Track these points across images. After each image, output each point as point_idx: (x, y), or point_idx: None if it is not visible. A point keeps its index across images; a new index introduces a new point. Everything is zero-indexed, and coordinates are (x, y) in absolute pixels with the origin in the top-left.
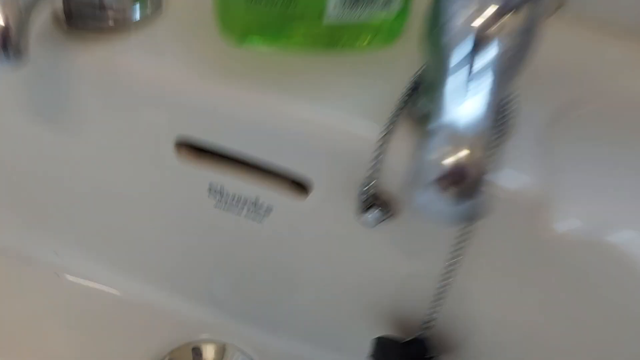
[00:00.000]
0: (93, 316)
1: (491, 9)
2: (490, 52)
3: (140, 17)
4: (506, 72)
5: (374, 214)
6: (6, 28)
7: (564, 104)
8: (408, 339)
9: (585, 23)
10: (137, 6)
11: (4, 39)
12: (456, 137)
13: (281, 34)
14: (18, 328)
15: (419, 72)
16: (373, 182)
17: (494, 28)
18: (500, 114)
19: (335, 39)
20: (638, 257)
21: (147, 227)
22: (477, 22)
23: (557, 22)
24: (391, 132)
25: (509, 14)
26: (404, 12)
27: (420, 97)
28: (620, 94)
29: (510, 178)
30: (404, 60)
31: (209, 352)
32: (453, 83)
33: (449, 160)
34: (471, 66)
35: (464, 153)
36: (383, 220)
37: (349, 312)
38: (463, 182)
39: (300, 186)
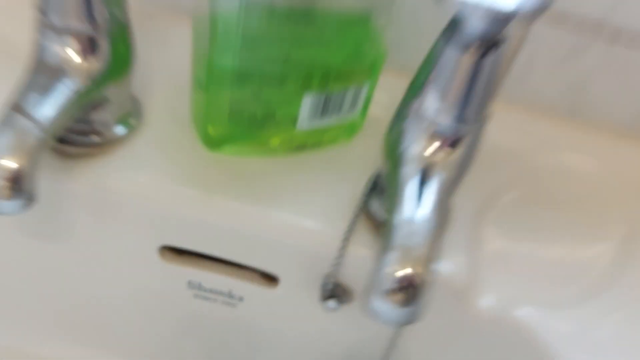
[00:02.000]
0: None
1: (437, 143)
2: (436, 176)
3: (124, 134)
4: (449, 187)
5: (334, 302)
6: (19, 176)
7: (492, 190)
8: None
9: (513, 106)
10: (120, 125)
11: (18, 186)
12: (406, 253)
13: (256, 142)
14: None
15: (376, 174)
16: (333, 278)
17: (440, 156)
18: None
19: (304, 142)
20: (538, 328)
21: (132, 317)
22: (427, 152)
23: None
24: (352, 231)
25: (452, 146)
26: (364, 110)
27: (377, 198)
28: (547, 171)
29: (442, 265)
30: (363, 157)
31: None
32: (408, 192)
33: (399, 273)
34: (421, 185)
35: (411, 268)
36: (340, 306)
37: None
38: (410, 291)
39: (270, 277)
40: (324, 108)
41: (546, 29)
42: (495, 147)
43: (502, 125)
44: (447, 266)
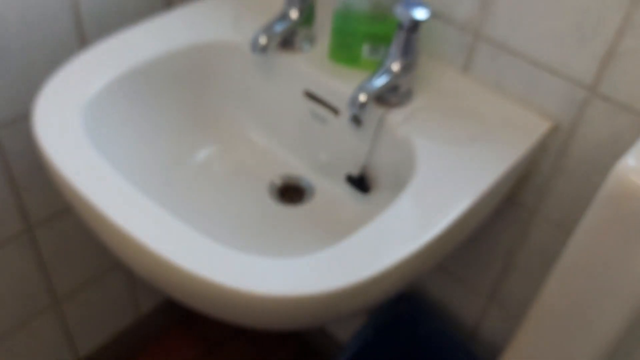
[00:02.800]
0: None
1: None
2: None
3: (308, 46)
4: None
5: (355, 125)
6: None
7: None
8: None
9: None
10: (307, 42)
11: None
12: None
13: (348, 58)
14: None
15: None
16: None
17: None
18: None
19: (364, 63)
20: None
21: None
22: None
23: None
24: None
25: (405, 68)
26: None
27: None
28: None
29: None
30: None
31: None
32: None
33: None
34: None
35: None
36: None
37: None
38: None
39: (336, 110)
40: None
41: None
42: None
43: None
44: (393, 115)
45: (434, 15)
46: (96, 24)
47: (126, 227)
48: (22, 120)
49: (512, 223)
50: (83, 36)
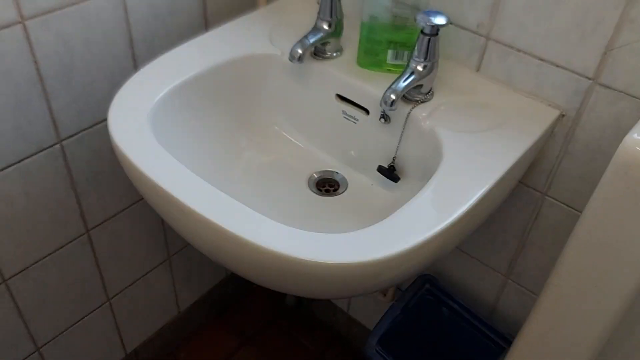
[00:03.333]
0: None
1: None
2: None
3: (338, 54)
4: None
5: (383, 120)
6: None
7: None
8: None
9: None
10: (337, 51)
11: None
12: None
13: (374, 64)
14: None
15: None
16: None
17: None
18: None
19: (389, 67)
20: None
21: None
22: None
23: None
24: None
25: (424, 68)
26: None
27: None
28: None
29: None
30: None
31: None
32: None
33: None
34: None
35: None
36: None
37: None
38: (390, 102)
39: (367, 110)
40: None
41: None
42: None
43: None
44: (418, 110)
45: (450, 21)
46: (146, 46)
47: (198, 210)
48: (83, 132)
49: (525, 204)
50: (135, 56)
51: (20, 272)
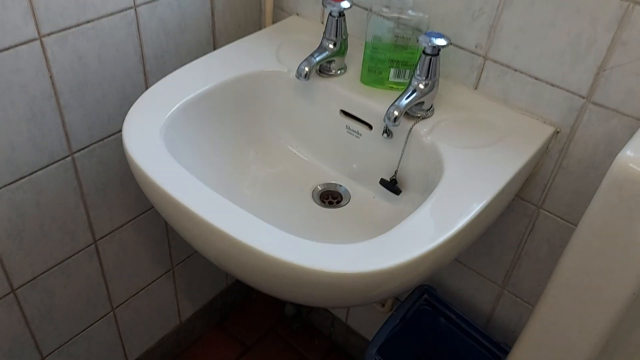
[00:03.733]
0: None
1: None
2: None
3: (341, 73)
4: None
5: (386, 135)
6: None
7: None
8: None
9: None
10: (341, 69)
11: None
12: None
13: (377, 82)
14: None
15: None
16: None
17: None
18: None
19: (391, 85)
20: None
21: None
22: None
23: None
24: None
25: (426, 86)
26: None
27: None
28: None
29: (418, 126)
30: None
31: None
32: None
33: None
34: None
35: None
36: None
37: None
38: (394, 116)
39: (370, 125)
40: (397, 74)
41: None
42: None
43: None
44: (420, 126)
45: (450, 42)
46: (157, 62)
47: (208, 219)
48: (94, 145)
49: (521, 217)
50: (146, 72)
51: (28, 281)
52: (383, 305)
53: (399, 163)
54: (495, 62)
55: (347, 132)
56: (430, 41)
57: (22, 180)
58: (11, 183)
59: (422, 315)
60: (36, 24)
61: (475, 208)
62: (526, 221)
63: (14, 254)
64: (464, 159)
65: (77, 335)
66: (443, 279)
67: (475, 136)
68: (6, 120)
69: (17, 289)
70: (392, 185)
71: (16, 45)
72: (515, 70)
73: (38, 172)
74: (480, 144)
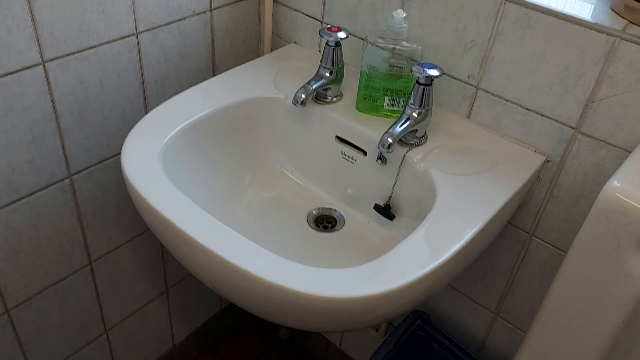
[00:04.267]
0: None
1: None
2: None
3: (338, 100)
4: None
5: (380, 161)
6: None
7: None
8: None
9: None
10: (337, 97)
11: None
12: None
13: (372, 109)
14: None
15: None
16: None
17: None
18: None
19: (385, 112)
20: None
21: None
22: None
23: None
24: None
25: (419, 114)
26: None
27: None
28: None
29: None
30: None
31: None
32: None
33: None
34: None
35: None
36: (384, 164)
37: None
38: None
39: (364, 152)
40: (391, 101)
41: None
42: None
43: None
44: (413, 153)
45: (443, 72)
46: (157, 87)
47: (203, 242)
48: (92, 167)
49: (513, 244)
50: (146, 96)
51: (23, 302)
52: (377, 330)
53: (393, 189)
54: (487, 92)
55: (342, 157)
56: (423, 71)
57: (20, 201)
58: (9, 204)
59: (415, 341)
60: (40, 50)
61: (468, 234)
62: (518, 248)
63: (10, 274)
64: (457, 185)
65: (69, 357)
66: (436, 305)
67: (468, 163)
68: (7, 142)
69: (11, 309)
70: (386, 211)
71: (20, 70)
72: (507, 101)
73: (36, 194)
74: (472, 171)
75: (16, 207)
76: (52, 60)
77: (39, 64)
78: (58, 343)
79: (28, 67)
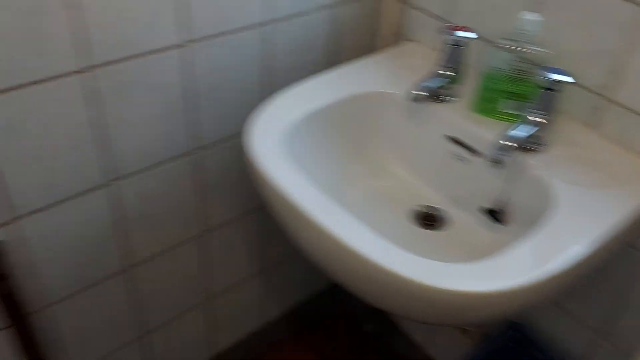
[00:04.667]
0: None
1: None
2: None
3: (457, 99)
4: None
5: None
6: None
7: None
8: None
9: None
10: (456, 97)
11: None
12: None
13: (491, 112)
14: None
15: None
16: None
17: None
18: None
19: (503, 116)
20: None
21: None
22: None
23: None
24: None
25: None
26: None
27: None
28: None
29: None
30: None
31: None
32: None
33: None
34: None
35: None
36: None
37: None
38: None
39: (478, 152)
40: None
41: None
42: None
43: None
44: (531, 159)
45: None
46: (282, 75)
47: (333, 231)
48: (218, 144)
49: (626, 264)
50: (272, 83)
51: (143, 261)
52: (465, 334)
53: (504, 193)
54: (617, 104)
55: (454, 157)
56: (553, 77)
57: (149, 171)
58: (140, 171)
59: (507, 352)
60: (186, 31)
61: (580, 253)
62: (632, 269)
63: (137, 236)
64: (574, 197)
65: (174, 318)
66: (533, 316)
67: (588, 175)
68: (143, 116)
69: (132, 266)
70: (493, 215)
71: (164, 50)
72: (637, 113)
73: (166, 163)
74: (593, 184)
75: (148, 175)
76: (193, 41)
77: (185, 44)
78: (170, 301)
79: (172, 47)
